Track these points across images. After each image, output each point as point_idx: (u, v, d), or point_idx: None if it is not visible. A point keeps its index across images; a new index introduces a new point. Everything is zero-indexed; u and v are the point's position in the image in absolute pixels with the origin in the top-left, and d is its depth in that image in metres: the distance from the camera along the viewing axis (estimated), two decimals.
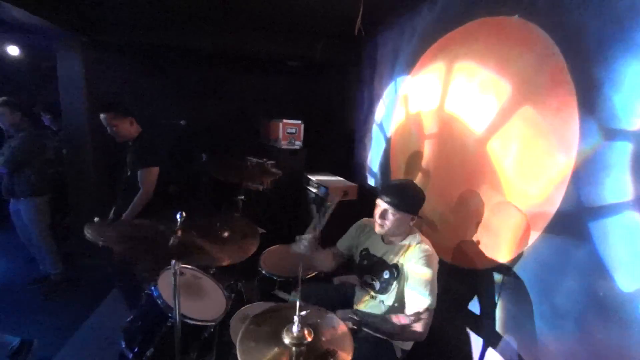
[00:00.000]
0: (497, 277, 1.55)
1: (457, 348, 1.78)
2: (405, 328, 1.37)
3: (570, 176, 1.22)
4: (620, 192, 1.05)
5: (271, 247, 2.29)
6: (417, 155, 2.24)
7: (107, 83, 3.14)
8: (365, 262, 1.64)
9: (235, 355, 1.43)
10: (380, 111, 2.88)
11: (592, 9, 1.16)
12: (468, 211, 1.75)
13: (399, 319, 1.39)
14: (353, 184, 2.97)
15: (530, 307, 1.37)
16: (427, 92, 2.15)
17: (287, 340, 1.08)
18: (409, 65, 2.38)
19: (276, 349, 1.06)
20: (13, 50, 2.71)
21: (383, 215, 1.46)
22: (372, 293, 1.58)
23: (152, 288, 1.31)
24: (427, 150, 2.15)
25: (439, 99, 2.01)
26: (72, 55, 2.84)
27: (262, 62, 3.76)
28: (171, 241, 1.00)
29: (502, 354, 1.51)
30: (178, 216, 1.05)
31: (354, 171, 3.43)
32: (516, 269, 1.45)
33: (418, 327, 1.35)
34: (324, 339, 1.14)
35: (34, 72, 3.51)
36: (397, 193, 1.45)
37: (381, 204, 1.47)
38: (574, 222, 1.19)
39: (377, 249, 1.61)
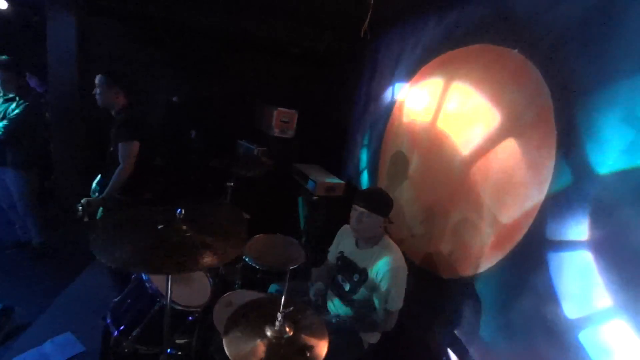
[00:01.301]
0: (461, 287, 1.71)
1: (419, 345, 1.96)
2: (376, 325, 1.59)
3: (539, 209, 1.34)
4: (578, 232, 1.18)
5: (256, 236, 2.36)
6: (405, 163, 2.34)
7: (100, 50, 3.02)
8: (339, 263, 1.80)
9: (217, 339, 1.53)
10: (375, 112, 2.95)
11: (587, 58, 1.24)
12: (445, 224, 1.88)
13: (371, 318, 1.59)
14: (340, 181, 3.05)
15: (487, 318, 1.54)
16: (422, 104, 2.23)
17: (269, 333, 1.19)
18: (409, 73, 2.44)
19: (258, 341, 1.16)
20: (1, 4, 2.54)
21: (359, 218, 1.61)
22: (342, 293, 1.74)
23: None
24: (416, 160, 2.25)
25: (433, 114, 2.09)
26: (65, 16, 2.70)
27: (263, 46, 3.69)
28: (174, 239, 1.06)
29: (458, 356, 1.69)
30: (178, 212, 1.10)
31: (343, 166, 3.51)
32: (479, 283, 1.61)
33: (386, 324, 1.58)
34: (302, 334, 1.25)
35: (23, 29, 3.31)
36: (370, 198, 1.63)
37: (357, 209, 1.62)
38: (536, 250, 1.33)
39: (350, 252, 1.76)
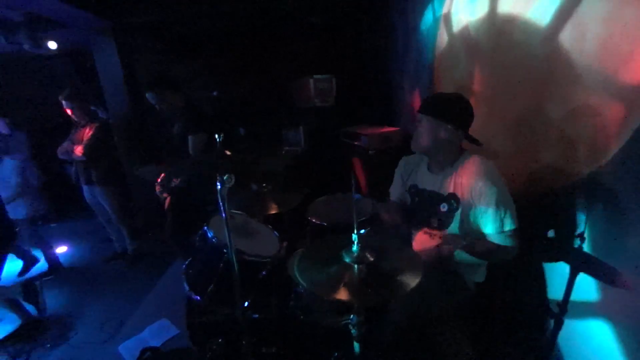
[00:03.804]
0: (584, 190, 1.32)
1: (535, 279, 1.59)
2: (501, 248, 1.27)
3: None
4: None
5: (317, 199, 2.23)
6: (467, 81, 1.99)
7: (141, 65, 3.25)
8: (416, 199, 1.51)
9: (295, 295, 1.41)
10: (417, 47, 2.62)
11: None
12: (538, 127, 1.50)
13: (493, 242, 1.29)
14: (395, 128, 2.76)
15: (633, 215, 1.14)
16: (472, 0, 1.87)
17: (347, 259, 1.01)
18: None
19: (336, 267, 1.00)
20: (52, 45, 2.90)
21: (421, 132, 1.34)
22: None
23: (205, 228, 1.31)
24: (480, 71, 1.88)
25: (489, 4, 1.73)
26: (106, 42, 2.96)
27: (287, 24, 3.62)
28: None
29: (597, 276, 1.30)
30: (217, 137, 1.00)
31: (394, 120, 3.22)
32: (610, 173, 1.21)
33: (511, 246, 1.27)
34: (388, 260, 1.05)
35: (71, 65, 3.76)
36: (431, 98, 1.37)
37: (419, 125, 1.36)
38: None
39: (427, 182, 1.46)
